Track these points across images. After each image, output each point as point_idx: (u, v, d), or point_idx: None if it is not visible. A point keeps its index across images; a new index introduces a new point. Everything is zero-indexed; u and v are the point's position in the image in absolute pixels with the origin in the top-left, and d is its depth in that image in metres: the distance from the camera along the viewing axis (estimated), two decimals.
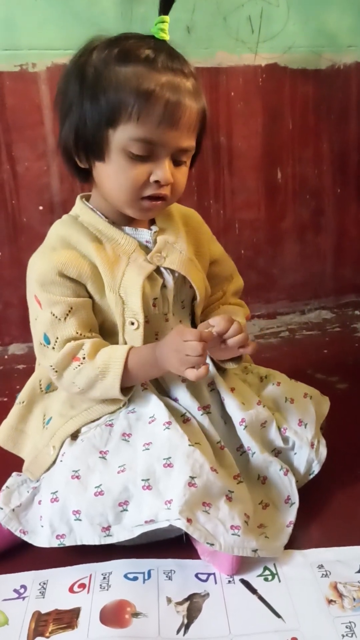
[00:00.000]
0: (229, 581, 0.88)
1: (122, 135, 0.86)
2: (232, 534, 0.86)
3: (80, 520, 0.89)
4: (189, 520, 0.84)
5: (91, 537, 0.89)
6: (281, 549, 0.92)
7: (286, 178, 1.81)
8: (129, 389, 0.95)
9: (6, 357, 1.68)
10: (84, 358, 0.91)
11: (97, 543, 0.89)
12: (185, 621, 0.82)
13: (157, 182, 0.88)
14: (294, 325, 1.85)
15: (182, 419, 0.95)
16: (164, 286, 0.96)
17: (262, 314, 1.88)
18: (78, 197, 1.00)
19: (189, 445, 0.89)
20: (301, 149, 1.79)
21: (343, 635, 0.79)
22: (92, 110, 0.87)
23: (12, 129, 1.55)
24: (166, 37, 0.87)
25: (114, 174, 0.89)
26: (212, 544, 0.85)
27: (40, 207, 1.62)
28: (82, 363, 0.91)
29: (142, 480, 0.88)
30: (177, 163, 0.90)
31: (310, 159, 1.81)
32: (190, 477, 0.86)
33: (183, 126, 0.87)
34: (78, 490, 0.89)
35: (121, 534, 0.88)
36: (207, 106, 0.92)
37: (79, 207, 0.98)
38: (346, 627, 0.80)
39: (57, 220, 0.99)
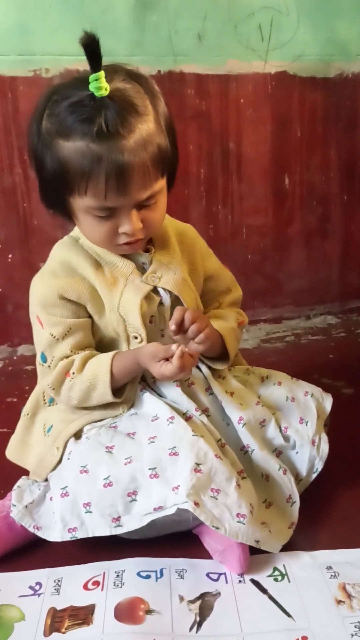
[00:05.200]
0: (240, 581, 0.90)
1: (81, 203, 0.89)
2: (238, 522, 0.89)
3: (91, 512, 0.91)
4: (196, 504, 0.86)
5: (102, 529, 0.91)
6: (279, 547, 0.94)
7: (294, 184, 1.82)
8: (122, 391, 0.99)
9: (15, 357, 1.69)
10: (73, 373, 0.96)
11: (107, 534, 0.91)
12: (198, 619, 0.84)
13: (125, 233, 0.92)
14: (300, 330, 1.87)
15: (184, 417, 0.98)
16: (160, 304, 1.00)
17: (267, 318, 1.90)
18: None
19: (193, 435, 0.92)
20: (309, 156, 1.81)
21: (352, 635, 0.80)
22: (50, 182, 0.90)
23: (25, 133, 1.55)
24: (105, 92, 0.83)
25: (86, 230, 0.95)
26: (217, 527, 0.87)
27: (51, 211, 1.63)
28: (73, 378, 0.96)
29: (149, 469, 0.90)
30: (145, 206, 0.91)
31: (317, 166, 1.83)
32: (196, 463, 0.89)
33: (134, 186, 0.87)
34: (87, 483, 0.91)
35: (131, 524, 0.90)
36: (174, 140, 0.93)
37: (79, 230, 1.01)
38: (355, 627, 0.81)
39: (62, 229, 1.03)
